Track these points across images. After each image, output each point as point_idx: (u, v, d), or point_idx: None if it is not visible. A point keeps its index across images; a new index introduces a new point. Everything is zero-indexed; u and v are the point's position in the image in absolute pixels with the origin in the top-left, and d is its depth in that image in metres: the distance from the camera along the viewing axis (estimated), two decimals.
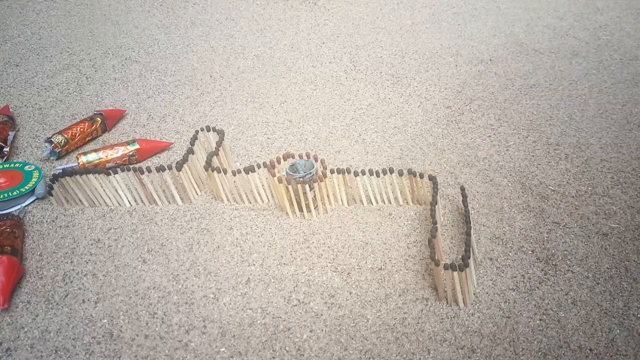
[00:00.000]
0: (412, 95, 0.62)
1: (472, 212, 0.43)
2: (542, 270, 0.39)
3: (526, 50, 0.71)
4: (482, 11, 0.84)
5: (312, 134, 0.55)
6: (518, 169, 0.49)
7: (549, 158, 0.51)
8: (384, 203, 0.46)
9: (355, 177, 0.44)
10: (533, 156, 0.51)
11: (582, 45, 0.73)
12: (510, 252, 0.40)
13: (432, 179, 0.44)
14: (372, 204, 0.46)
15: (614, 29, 0.78)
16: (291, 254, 0.41)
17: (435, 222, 0.39)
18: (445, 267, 0.35)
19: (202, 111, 0.59)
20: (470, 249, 0.37)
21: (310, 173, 0.44)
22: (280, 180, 0.42)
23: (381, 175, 0.44)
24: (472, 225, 0.39)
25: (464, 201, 0.41)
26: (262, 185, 0.45)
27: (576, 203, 0.45)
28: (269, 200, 0.46)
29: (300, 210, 0.44)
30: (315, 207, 0.44)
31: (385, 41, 0.73)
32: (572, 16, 0.82)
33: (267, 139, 0.54)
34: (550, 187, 0.47)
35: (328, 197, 0.45)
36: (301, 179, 0.43)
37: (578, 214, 0.44)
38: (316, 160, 0.45)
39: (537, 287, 0.38)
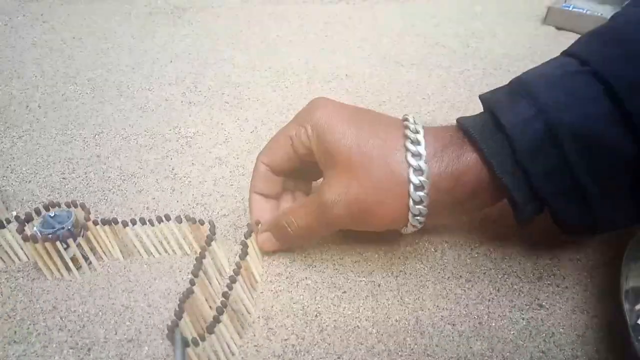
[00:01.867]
0: (249, 119, 0.56)
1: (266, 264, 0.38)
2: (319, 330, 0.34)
3: (387, 63, 0.67)
4: (355, 20, 0.79)
5: (118, 170, 0.49)
6: None
7: None
8: (167, 254, 0.40)
9: (125, 227, 0.39)
10: None
11: (449, 54, 0.69)
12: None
13: (211, 223, 0.38)
14: (152, 255, 0.40)
15: (486, 35, 0.74)
16: (28, 328, 0.34)
17: (195, 275, 0.34)
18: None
19: (0, 148, 0.52)
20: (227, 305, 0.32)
21: (64, 227, 0.37)
22: (26, 239, 0.36)
23: (156, 223, 0.39)
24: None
25: (242, 255, 0.36)
26: (17, 242, 0.39)
27: (389, 237, 0.41)
28: (28, 259, 0.39)
29: (67, 269, 0.38)
30: (79, 267, 0.38)
31: (240, 57, 0.68)
32: (448, 23, 0.78)
33: (62, 180, 0.48)
34: None
35: (94, 252, 0.39)
36: (50, 236, 0.36)
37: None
38: (83, 209, 0.39)
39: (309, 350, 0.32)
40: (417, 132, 0.28)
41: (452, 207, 0.30)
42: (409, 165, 0.27)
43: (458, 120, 0.30)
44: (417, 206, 0.28)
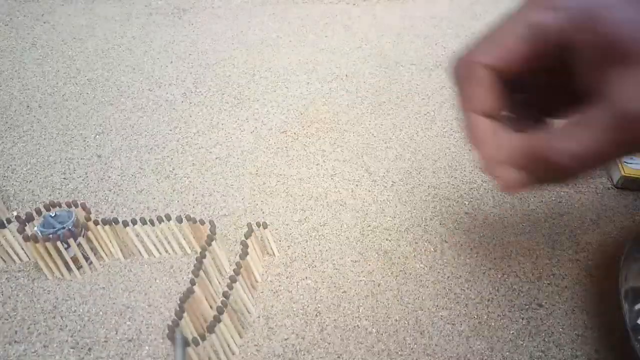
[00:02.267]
0: (249, 119, 0.56)
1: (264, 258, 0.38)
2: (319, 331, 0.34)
3: (387, 63, 0.67)
4: (355, 20, 0.79)
5: (118, 170, 0.49)
6: (337, 198, 0.45)
7: (372, 187, 0.46)
8: (168, 253, 0.40)
9: (125, 227, 0.39)
10: (357, 185, 0.47)
11: (448, 55, 0.69)
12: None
13: (211, 223, 0.38)
14: (153, 255, 0.40)
15: None
16: (28, 328, 0.34)
17: (196, 274, 0.34)
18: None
19: (1, 148, 0.52)
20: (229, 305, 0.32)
21: (65, 227, 0.37)
22: (27, 239, 0.36)
23: (156, 223, 0.39)
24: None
25: (242, 255, 0.36)
26: (19, 243, 0.39)
27: (389, 237, 0.41)
28: (29, 258, 0.39)
29: (67, 269, 0.38)
30: (79, 267, 0.38)
31: (239, 58, 0.68)
32: (447, 23, 0.78)
33: (62, 180, 0.48)
34: (368, 217, 0.43)
35: (95, 252, 0.39)
36: (50, 236, 0.36)
37: (382, 248, 0.40)
38: (83, 209, 0.39)
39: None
40: None
41: None
42: None
43: None
44: None
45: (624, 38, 0.19)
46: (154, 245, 0.40)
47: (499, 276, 0.38)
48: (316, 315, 0.35)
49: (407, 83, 0.63)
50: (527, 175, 0.23)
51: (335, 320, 0.35)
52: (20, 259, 0.39)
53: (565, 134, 0.21)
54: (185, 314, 0.31)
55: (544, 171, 0.22)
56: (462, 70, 0.24)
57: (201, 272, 0.34)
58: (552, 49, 0.21)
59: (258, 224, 0.38)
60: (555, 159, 0.21)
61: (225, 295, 0.32)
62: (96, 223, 0.38)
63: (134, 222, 0.38)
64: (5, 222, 0.38)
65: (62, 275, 0.38)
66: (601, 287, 0.37)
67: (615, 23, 0.20)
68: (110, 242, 0.39)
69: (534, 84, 0.24)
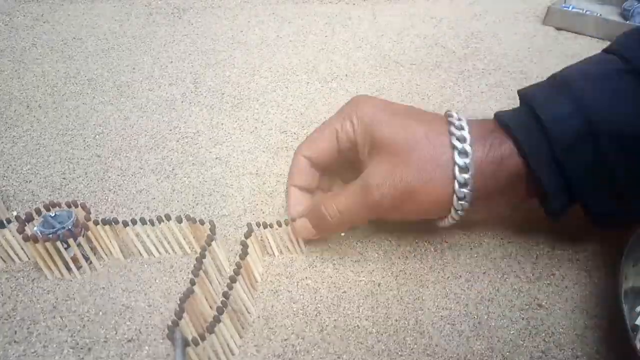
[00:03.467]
0: (249, 119, 0.56)
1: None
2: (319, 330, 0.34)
3: (387, 63, 0.67)
4: (355, 20, 0.79)
5: (118, 170, 0.49)
6: None
7: None
8: (167, 253, 0.40)
9: (125, 227, 0.39)
10: None
11: (448, 54, 0.69)
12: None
13: (211, 223, 0.38)
14: (153, 255, 0.40)
15: (486, 35, 0.74)
16: (28, 328, 0.34)
17: (196, 274, 0.34)
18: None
19: (1, 148, 0.52)
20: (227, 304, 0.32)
21: (65, 227, 0.37)
22: (27, 239, 0.36)
23: (156, 223, 0.39)
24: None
25: (242, 255, 0.36)
26: (18, 243, 0.39)
27: (389, 237, 0.41)
28: (29, 258, 0.39)
29: (67, 269, 0.38)
30: (79, 267, 0.38)
31: (240, 58, 0.68)
32: (447, 23, 0.78)
33: (62, 179, 0.48)
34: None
35: (95, 251, 0.39)
36: (50, 236, 0.36)
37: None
38: (83, 209, 0.39)
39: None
40: (460, 119, 0.29)
41: (493, 194, 0.30)
42: (454, 147, 0.28)
43: (496, 114, 0.31)
44: (462, 189, 0.28)
45: (380, 138, 0.30)
46: (154, 245, 0.40)
47: (499, 276, 0.38)
48: (316, 315, 0.35)
49: (407, 83, 0.63)
50: (312, 224, 0.35)
51: (335, 320, 0.35)
52: (20, 259, 0.39)
53: (333, 197, 0.32)
54: (185, 314, 0.31)
55: (318, 223, 0.34)
56: (293, 158, 0.36)
57: (201, 272, 0.34)
58: (348, 145, 0.33)
59: (258, 224, 0.38)
60: (322, 213, 0.32)
61: (225, 295, 0.32)
62: (96, 223, 0.38)
63: (134, 222, 0.38)
64: (5, 222, 0.38)
65: (62, 275, 0.38)
66: (601, 287, 0.37)
67: (378, 129, 0.30)
68: (110, 242, 0.39)
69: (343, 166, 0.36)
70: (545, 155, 0.27)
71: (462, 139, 0.28)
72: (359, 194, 0.30)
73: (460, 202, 0.29)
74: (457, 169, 0.28)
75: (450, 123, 0.29)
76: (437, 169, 0.28)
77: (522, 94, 0.31)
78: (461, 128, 0.28)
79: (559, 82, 0.29)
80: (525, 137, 0.28)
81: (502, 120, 0.29)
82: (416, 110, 0.32)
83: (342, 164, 0.35)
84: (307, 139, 0.35)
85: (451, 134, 0.28)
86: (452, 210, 0.30)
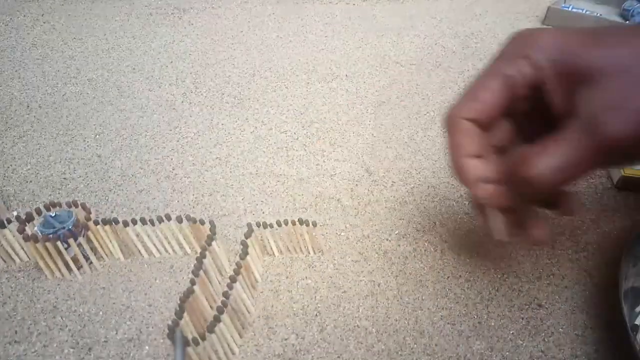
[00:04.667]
0: (249, 119, 0.56)
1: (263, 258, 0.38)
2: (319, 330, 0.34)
3: (387, 63, 0.67)
4: (355, 20, 0.79)
5: (118, 170, 0.49)
6: (337, 198, 0.45)
7: (373, 187, 0.46)
8: (168, 253, 0.40)
9: (125, 227, 0.39)
10: (357, 185, 0.47)
11: (448, 55, 0.69)
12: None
13: (211, 223, 0.38)
14: (153, 255, 0.40)
15: (486, 35, 0.74)
16: (29, 328, 0.34)
17: (196, 274, 0.34)
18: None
19: (1, 148, 0.52)
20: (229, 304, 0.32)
21: (65, 227, 0.37)
22: (27, 239, 0.36)
23: (156, 223, 0.39)
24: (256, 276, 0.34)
25: (242, 255, 0.36)
26: (18, 242, 0.39)
27: (389, 237, 0.41)
28: (29, 258, 0.39)
29: (67, 269, 0.38)
30: (79, 267, 0.38)
31: (239, 58, 0.68)
32: (447, 23, 0.78)
33: (63, 180, 0.48)
34: (368, 217, 0.43)
35: (95, 251, 0.39)
36: (50, 236, 0.36)
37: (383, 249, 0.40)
38: (84, 209, 0.39)
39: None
40: None
41: None
42: None
43: None
44: None
45: (586, 64, 0.23)
46: (154, 245, 0.40)
47: (499, 276, 0.38)
48: (316, 315, 0.35)
49: (407, 83, 0.63)
50: (511, 190, 0.26)
51: (335, 320, 0.35)
52: (20, 259, 0.39)
53: (541, 150, 0.24)
54: (185, 314, 0.31)
55: (523, 182, 0.25)
56: (450, 124, 0.27)
57: (201, 272, 0.34)
58: (524, 93, 0.25)
59: (258, 224, 0.38)
60: (530, 171, 0.24)
61: (225, 295, 0.32)
62: (96, 223, 0.38)
63: (134, 222, 0.38)
64: (5, 222, 0.38)
65: (62, 275, 0.38)
66: (601, 287, 0.37)
67: (585, 55, 0.23)
68: (110, 242, 0.39)
69: (516, 118, 0.28)
70: None
71: None
72: (584, 134, 0.22)
73: None
74: None
75: None
76: None
77: None
78: None
79: None
80: None
81: None
82: (606, 29, 0.25)
83: (515, 118, 0.28)
84: (466, 96, 0.26)
85: None
86: None
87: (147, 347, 0.33)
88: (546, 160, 0.23)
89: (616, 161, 0.24)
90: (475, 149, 0.27)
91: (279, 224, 0.38)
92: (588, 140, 0.22)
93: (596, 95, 0.22)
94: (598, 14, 0.75)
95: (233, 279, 0.33)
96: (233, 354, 0.32)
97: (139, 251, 0.40)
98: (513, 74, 0.25)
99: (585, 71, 0.23)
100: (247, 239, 0.37)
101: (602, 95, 0.22)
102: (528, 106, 0.26)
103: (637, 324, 0.31)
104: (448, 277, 0.38)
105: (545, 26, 0.76)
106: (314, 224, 0.38)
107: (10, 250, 0.39)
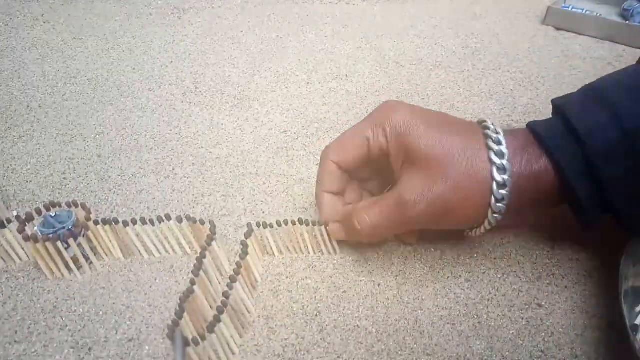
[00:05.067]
0: (249, 119, 0.56)
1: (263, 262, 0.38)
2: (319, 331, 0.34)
3: (387, 63, 0.67)
4: (355, 20, 0.79)
5: (118, 170, 0.49)
6: None
7: None
8: (168, 253, 0.40)
9: (125, 227, 0.39)
10: None
11: (448, 54, 0.70)
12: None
13: (211, 223, 0.38)
14: (153, 255, 0.40)
15: (486, 35, 0.74)
16: (29, 328, 0.34)
17: (196, 274, 0.34)
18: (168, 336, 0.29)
19: (1, 148, 0.52)
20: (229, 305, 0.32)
21: (65, 227, 0.37)
22: (27, 239, 0.36)
23: (156, 223, 0.39)
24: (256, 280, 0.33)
25: (242, 255, 0.36)
26: (19, 243, 0.39)
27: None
28: (29, 258, 0.39)
29: (67, 269, 0.38)
30: (79, 267, 0.38)
31: (239, 58, 0.68)
32: (447, 23, 0.78)
33: (63, 180, 0.48)
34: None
35: (95, 251, 0.39)
36: (50, 236, 0.36)
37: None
38: (84, 209, 0.39)
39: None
40: (497, 133, 0.28)
41: (526, 206, 0.30)
42: (492, 163, 0.27)
43: (528, 124, 0.30)
44: (498, 204, 0.28)
45: (415, 150, 0.29)
46: (154, 245, 0.40)
47: (499, 276, 0.38)
48: (316, 315, 0.35)
49: (407, 83, 0.63)
50: (344, 231, 0.35)
51: (335, 320, 0.35)
52: (20, 259, 0.39)
53: (367, 209, 0.32)
54: (185, 314, 0.31)
55: (351, 231, 0.34)
56: (321, 162, 0.35)
57: (201, 272, 0.34)
58: (379, 153, 0.32)
59: (258, 224, 0.38)
60: (354, 222, 0.32)
61: (225, 295, 0.32)
62: (96, 223, 0.38)
63: (134, 222, 0.38)
64: (5, 222, 0.38)
65: (62, 275, 0.38)
66: (601, 287, 0.37)
67: (412, 140, 0.29)
68: (110, 242, 0.39)
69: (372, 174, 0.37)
70: (580, 167, 0.27)
71: (500, 155, 0.27)
72: (394, 209, 0.29)
73: (494, 215, 0.29)
74: (495, 185, 0.27)
75: (487, 136, 0.28)
76: (475, 186, 0.28)
77: (557, 104, 0.30)
78: (499, 142, 0.28)
79: (594, 93, 0.29)
80: (561, 149, 0.27)
81: (537, 132, 0.28)
82: (450, 119, 0.31)
83: (372, 165, 0.35)
84: (336, 143, 0.33)
85: (489, 148, 0.28)
86: (486, 222, 0.30)
87: (147, 347, 0.33)
88: (366, 214, 0.31)
89: (415, 228, 0.33)
90: (334, 186, 0.35)
91: (279, 224, 0.38)
92: (395, 211, 0.30)
93: (410, 179, 0.29)
94: (598, 14, 0.75)
95: (233, 279, 0.33)
96: (233, 354, 0.32)
97: (139, 251, 0.40)
98: (371, 137, 0.31)
99: (412, 154, 0.29)
100: (247, 239, 0.37)
101: (413, 181, 0.29)
102: (384, 162, 0.33)
103: (637, 324, 0.31)
104: (448, 277, 0.38)
105: (545, 26, 0.76)
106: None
107: (10, 250, 0.39)
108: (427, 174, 0.28)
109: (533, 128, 0.29)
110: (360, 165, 0.33)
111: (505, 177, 0.27)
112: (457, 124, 0.30)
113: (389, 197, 0.30)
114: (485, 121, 0.30)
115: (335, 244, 0.39)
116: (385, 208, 0.30)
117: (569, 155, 0.27)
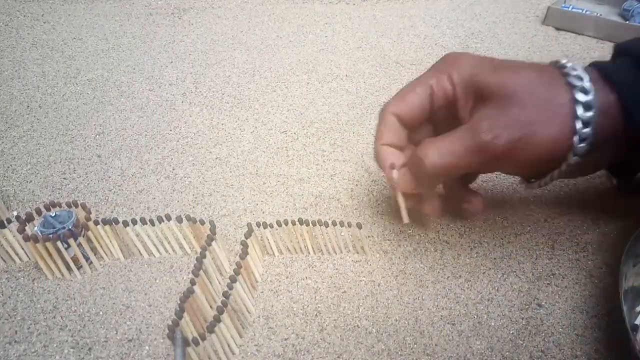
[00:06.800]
0: (249, 119, 0.56)
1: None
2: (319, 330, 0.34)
3: (387, 63, 0.67)
4: (355, 20, 0.79)
5: (118, 170, 0.49)
6: (337, 198, 0.45)
7: (373, 187, 0.46)
8: (168, 253, 0.40)
9: (125, 227, 0.39)
10: (357, 185, 0.47)
11: None
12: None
13: (211, 223, 0.38)
14: (153, 255, 0.40)
15: (486, 35, 0.74)
16: (29, 328, 0.34)
17: (196, 274, 0.34)
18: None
19: (1, 148, 0.52)
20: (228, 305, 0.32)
21: (65, 227, 0.37)
22: (27, 239, 0.36)
23: (156, 223, 0.39)
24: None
25: (242, 254, 0.36)
26: (19, 243, 0.39)
27: (389, 237, 0.41)
28: (29, 258, 0.39)
29: (67, 269, 0.38)
30: (79, 267, 0.38)
31: (239, 58, 0.68)
32: (447, 23, 0.78)
33: (63, 180, 0.48)
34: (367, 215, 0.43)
35: (95, 251, 0.39)
36: (50, 236, 0.36)
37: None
38: (84, 209, 0.39)
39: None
40: (569, 61, 0.27)
41: (605, 141, 0.28)
42: (573, 86, 0.26)
43: (594, 63, 0.29)
44: (585, 129, 0.26)
45: (488, 88, 0.28)
46: (154, 245, 0.40)
47: (499, 276, 0.38)
48: (316, 315, 0.35)
49: (406, 83, 0.63)
50: (412, 172, 0.31)
51: (335, 320, 0.35)
52: (20, 259, 0.39)
53: (434, 140, 0.29)
54: (185, 314, 0.31)
55: (417, 166, 0.30)
56: (380, 116, 0.33)
57: (201, 272, 0.34)
58: (443, 102, 0.31)
59: (258, 224, 0.38)
60: (423, 156, 0.29)
61: (225, 295, 0.32)
62: (96, 223, 0.38)
63: (134, 222, 0.38)
64: (5, 222, 0.38)
65: (62, 275, 0.38)
66: (601, 287, 0.37)
67: (483, 79, 0.28)
68: (110, 242, 0.39)
69: (437, 126, 0.34)
70: None
71: (579, 78, 0.26)
72: (466, 136, 0.27)
73: (581, 144, 0.26)
74: (580, 107, 0.25)
75: (562, 67, 0.27)
76: (557, 108, 0.25)
77: (622, 47, 0.29)
78: (574, 69, 0.26)
79: None
80: (630, 87, 0.26)
81: (604, 70, 0.27)
82: (515, 61, 0.29)
83: (432, 121, 0.33)
84: (397, 96, 0.32)
85: (566, 74, 0.26)
86: (570, 156, 0.27)
87: (147, 347, 0.33)
88: (435, 146, 0.29)
89: (492, 162, 0.29)
90: (393, 139, 0.33)
91: (279, 224, 0.38)
92: (468, 140, 0.27)
93: (483, 110, 0.28)
94: (598, 14, 0.75)
95: (233, 279, 0.33)
96: (233, 354, 0.32)
97: (139, 251, 0.40)
98: (435, 85, 0.30)
99: (484, 92, 0.28)
100: (247, 239, 0.37)
101: (487, 110, 0.28)
102: (447, 115, 0.31)
103: (637, 324, 0.31)
104: (448, 277, 0.38)
105: (545, 26, 0.76)
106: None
107: (10, 250, 0.39)
108: (502, 103, 0.26)
109: (600, 67, 0.28)
110: (421, 117, 0.31)
111: (590, 97, 0.25)
112: (527, 63, 0.29)
113: (461, 127, 0.28)
114: (557, 60, 0.29)
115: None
116: (456, 137, 0.28)
117: (638, 94, 0.26)
